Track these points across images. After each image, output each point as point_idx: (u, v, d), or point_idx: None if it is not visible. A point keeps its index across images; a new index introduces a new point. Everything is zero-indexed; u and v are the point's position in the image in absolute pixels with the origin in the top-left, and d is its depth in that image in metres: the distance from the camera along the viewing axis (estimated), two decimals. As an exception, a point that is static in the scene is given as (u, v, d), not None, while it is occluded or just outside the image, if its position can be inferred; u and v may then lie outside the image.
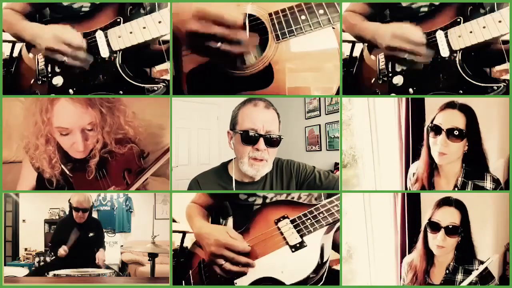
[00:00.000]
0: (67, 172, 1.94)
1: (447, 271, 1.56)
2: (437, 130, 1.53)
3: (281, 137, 1.61)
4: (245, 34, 1.51)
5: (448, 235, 1.53)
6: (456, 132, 1.49)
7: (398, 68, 1.76)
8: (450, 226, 1.53)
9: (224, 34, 1.47)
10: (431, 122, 1.55)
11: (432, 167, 1.60)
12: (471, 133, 1.51)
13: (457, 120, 1.51)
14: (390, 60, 1.75)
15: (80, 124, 1.80)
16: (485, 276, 1.52)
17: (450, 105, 1.54)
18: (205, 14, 1.45)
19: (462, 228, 1.53)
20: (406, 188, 1.82)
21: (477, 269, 1.51)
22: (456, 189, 1.57)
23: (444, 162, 1.55)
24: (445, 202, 1.58)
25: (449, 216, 1.54)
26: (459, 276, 1.54)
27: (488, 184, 1.54)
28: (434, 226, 1.55)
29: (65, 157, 1.93)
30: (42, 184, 1.96)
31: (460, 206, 1.57)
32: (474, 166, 1.55)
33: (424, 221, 1.62)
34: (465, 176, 1.55)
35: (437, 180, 1.62)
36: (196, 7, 1.46)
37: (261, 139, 1.57)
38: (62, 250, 2.64)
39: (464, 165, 1.56)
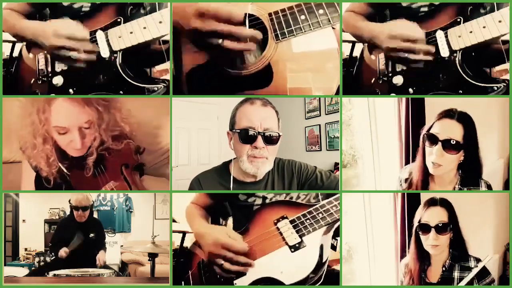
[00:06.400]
0: (65, 170, 1.94)
1: (444, 269, 1.58)
2: (433, 139, 1.50)
3: (280, 134, 1.61)
4: (248, 30, 1.52)
5: (439, 233, 1.55)
6: (453, 143, 1.47)
7: (398, 68, 1.76)
8: (440, 225, 1.55)
9: (226, 30, 1.48)
10: (428, 130, 1.53)
11: (427, 174, 1.59)
12: (468, 143, 1.48)
13: (455, 131, 1.48)
14: (391, 60, 1.75)
15: (78, 123, 1.81)
16: (481, 272, 1.54)
17: (449, 115, 1.51)
18: (208, 10, 1.46)
19: (451, 225, 1.56)
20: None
21: (476, 267, 1.53)
22: None
23: (439, 173, 1.54)
24: (430, 203, 1.60)
25: (436, 215, 1.57)
26: (456, 274, 1.56)
27: (483, 190, 1.55)
28: (424, 228, 1.57)
29: (62, 156, 1.94)
30: (40, 184, 1.97)
31: (445, 204, 1.59)
32: (469, 174, 1.54)
33: (414, 224, 1.63)
34: (461, 184, 1.56)
35: (432, 186, 1.62)
36: (198, 5, 1.47)
37: (259, 137, 1.57)
38: (63, 252, 2.64)
39: (460, 172, 1.55)
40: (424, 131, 1.55)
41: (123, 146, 1.98)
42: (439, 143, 1.48)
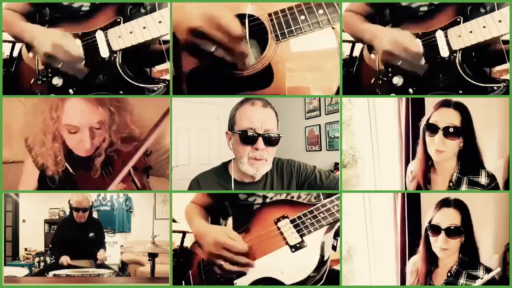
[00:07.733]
0: (70, 170, 1.93)
1: (449, 274, 1.54)
2: (433, 128, 1.56)
3: (280, 135, 1.61)
4: (243, 47, 1.53)
5: (449, 236, 1.51)
6: (452, 130, 1.53)
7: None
8: (451, 227, 1.51)
9: (223, 41, 1.48)
10: (427, 121, 1.58)
11: (428, 164, 1.63)
12: (466, 131, 1.54)
13: (453, 118, 1.54)
14: (385, 65, 1.75)
15: (89, 123, 1.80)
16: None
17: (445, 104, 1.57)
18: (212, 17, 1.46)
19: (463, 229, 1.52)
20: (405, 188, 1.82)
21: (481, 278, 1.48)
22: (451, 184, 1.58)
23: (441, 159, 1.58)
24: (444, 203, 1.57)
25: (448, 218, 1.53)
26: (462, 281, 1.51)
27: (483, 179, 1.56)
28: (435, 229, 1.54)
29: (69, 155, 1.93)
30: (44, 183, 1.96)
31: (459, 206, 1.56)
32: (469, 163, 1.58)
33: (424, 223, 1.61)
34: (460, 172, 1.58)
35: (433, 177, 1.63)
36: (203, 8, 1.48)
37: (260, 139, 1.57)
38: (64, 260, 2.63)
39: (459, 161, 1.58)
40: (423, 123, 1.60)
41: (132, 148, 1.96)
42: (440, 131, 1.54)
